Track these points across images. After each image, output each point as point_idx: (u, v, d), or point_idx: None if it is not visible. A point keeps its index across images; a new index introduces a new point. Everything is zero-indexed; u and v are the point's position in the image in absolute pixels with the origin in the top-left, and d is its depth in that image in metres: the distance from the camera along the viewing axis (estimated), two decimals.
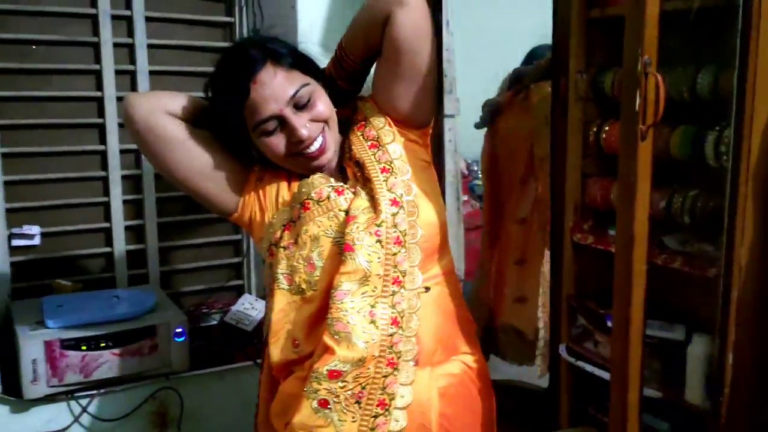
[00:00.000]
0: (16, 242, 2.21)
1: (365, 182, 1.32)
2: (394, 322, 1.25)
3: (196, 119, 1.36)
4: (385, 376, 1.24)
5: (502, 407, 1.56)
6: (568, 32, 1.95)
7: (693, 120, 1.75)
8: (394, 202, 1.29)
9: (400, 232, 1.28)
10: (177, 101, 1.36)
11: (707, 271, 1.70)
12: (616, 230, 1.45)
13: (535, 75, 2.60)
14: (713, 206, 1.71)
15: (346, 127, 1.42)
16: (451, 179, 2.11)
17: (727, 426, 1.57)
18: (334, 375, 1.21)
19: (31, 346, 1.90)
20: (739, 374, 1.59)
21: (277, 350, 1.31)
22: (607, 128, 1.94)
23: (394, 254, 1.27)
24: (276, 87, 1.26)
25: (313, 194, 1.30)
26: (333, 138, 1.34)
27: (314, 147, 1.30)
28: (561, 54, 1.98)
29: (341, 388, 1.22)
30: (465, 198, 4.73)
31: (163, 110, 1.33)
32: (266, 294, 1.42)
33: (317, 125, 1.30)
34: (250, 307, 2.38)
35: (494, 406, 1.49)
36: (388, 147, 1.35)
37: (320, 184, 1.31)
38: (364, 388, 1.23)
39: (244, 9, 2.47)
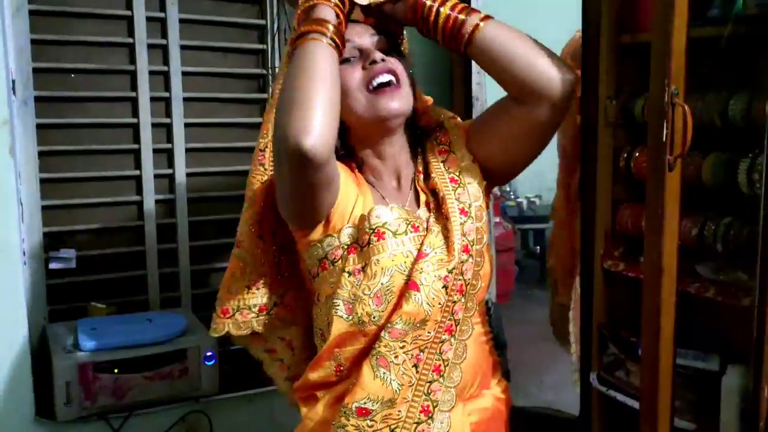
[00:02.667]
0: (53, 265, 2.26)
1: (439, 216, 1.25)
2: (437, 370, 1.22)
3: None
4: (417, 423, 1.21)
5: None
6: (598, 57, 1.94)
7: (725, 147, 1.72)
8: (466, 249, 1.23)
9: (464, 281, 1.23)
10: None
11: (741, 301, 1.66)
12: (644, 260, 1.44)
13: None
14: (747, 234, 1.67)
15: (415, 133, 1.36)
16: None
17: None
18: (363, 413, 1.19)
19: (65, 368, 1.94)
20: None
21: (317, 373, 1.27)
22: (637, 154, 1.91)
23: (455, 302, 1.22)
24: (361, 28, 1.25)
25: (390, 224, 1.21)
26: (408, 99, 1.25)
27: (386, 77, 1.20)
28: (590, 79, 1.97)
29: (369, 427, 1.19)
30: (497, 219, 4.71)
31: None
32: (310, 305, 1.35)
33: (390, 66, 1.22)
34: None
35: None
36: (469, 187, 1.27)
37: (398, 215, 1.23)
38: (393, 430, 1.20)
39: (276, 36, 2.51)
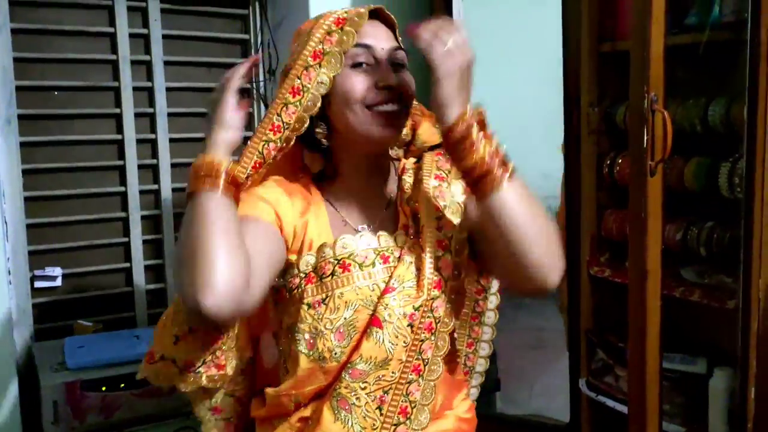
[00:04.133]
0: (38, 284, 2.24)
1: (415, 244, 1.15)
2: (403, 412, 1.13)
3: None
4: None
5: None
6: (579, 66, 1.97)
7: (706, 151, 1.75)
8: (438, 285, 1.13)
9: (434, 318, 1.13)
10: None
11: (726, 303, 1.68)
12: (628, 265, 1.45)
13: None
14: (729, 237, 1.70)
15: (408, 148, 1.30)
16: None
17: None
18: None
19: (52, 387, 1.91)
20: (762, 408, 1.57)
21: (273, 409, 1.21)
22: (620, 161, 1.94)
23: (422, 341, 1.13)
24: (384, 34, 1.17)
25: (357, 256, 1.13)
26: (404, 122, 1.20)
27: (391, 107, 1.13)
28: (572, 87, 1.99)
29: None
30: None
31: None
32: (276, 339, 1.29)
33: (399, 95, 1.15)
34: (270, 345, 2.38)
35: None
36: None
37: (367, 244, 1.14)
38: None
39: (260, 51, 2.52)
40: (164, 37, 2.38)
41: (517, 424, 1.38)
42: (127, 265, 2.38)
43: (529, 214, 1.03)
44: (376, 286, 1.12)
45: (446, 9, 2.40)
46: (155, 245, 2.43)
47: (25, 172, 2.20)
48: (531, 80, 2.90)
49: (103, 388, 1.96)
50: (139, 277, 2.39)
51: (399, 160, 1.30)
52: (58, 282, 2.26)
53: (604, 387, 2.00)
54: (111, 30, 2.30)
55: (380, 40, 1.15)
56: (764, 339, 1.55)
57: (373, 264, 1.13)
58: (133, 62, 2.34)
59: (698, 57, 1.69)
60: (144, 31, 2.35)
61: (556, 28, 2.04)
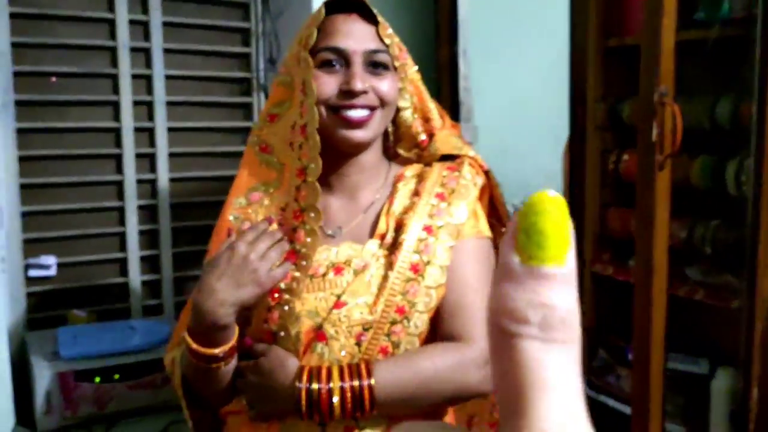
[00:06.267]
0: (32, 273, 2.21)
1: (387, 258, 1.09)
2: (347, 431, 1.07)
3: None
4: None
5: None
6: (586, 61, 1.95)
7: (713, 149, 1.73)
8: (400, 311, 1.06)
9: (392, 343, 1.06)
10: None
11: (730, 303, 1.66)
12: (635, 261, 1.43)
13: None
14: (735, 236, 1.68)
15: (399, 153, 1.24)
16: None
17: None
18: None
19: (45, 377, 1.89)
20: (764, 409, 1.55)
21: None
22: (626, 157, 1.92)
23: (371, 362, 1.06)
24: (361, 32, 1.10)
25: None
26: (380, 125, 1.13)
27: (358, 113, 1.09)
28: (578, 83, 1.97)
29: None
30: None
31: None
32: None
33: (374, 98, 1.10)
34: None
35: None
36: (438, 246, 1.09)
37: (324, 255, 1.10)
38: None
39: (261, 39, 2.49)
40: (164, 24, 2.35)
41: None
42: (123, 255, 2.35)
43: (415, 395, 1.04)
44: (324, 299, 1.07)
45: (452, 4, 2.38)
46: (151, 236, 2.40)
47: (21, 158, 2.17)
48: (536, 78, 2.88)
49: (97, 379, 1.93)
50: (134, 267, 2.36)
51: (408, 161, 1.24)
52: (53, 271, 2.23)
53: (605, 386, 1.98)
54: (110, 16, 2.27)
55: (354, 40, 1.09)
56: None
57: (324, 276, 1.08)
58: (132, 49, 2.31)
59: (707, 53, 1.67)
60: (144, 17, 2.32)
61: (563, 23, 2.02)
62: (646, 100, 1.29)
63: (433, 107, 1.23)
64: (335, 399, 1.01)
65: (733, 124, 1.67)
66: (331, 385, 1.02)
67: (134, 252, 2.36)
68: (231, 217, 1.17)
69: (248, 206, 1.16)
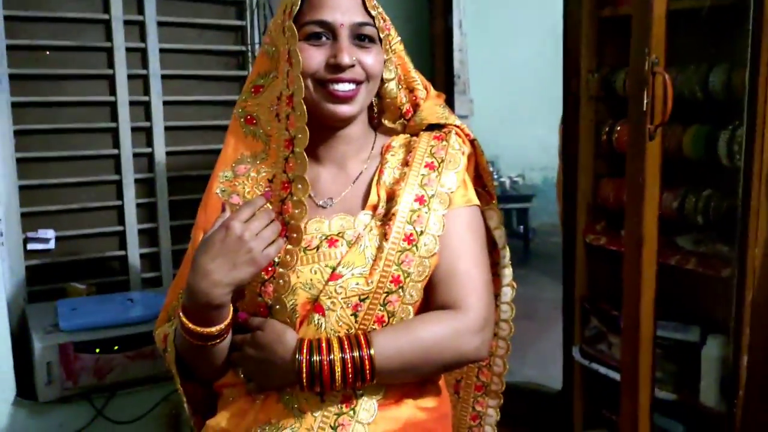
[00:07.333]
0: (31, 246, 2.23)
1: (381, 228, 1.09)
2: (346, 401, 1.08)
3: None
4: None
5: (515, 410, 1.54)
6: (579, 31, 1.94)
7: (706, 119, 1.73)
8: (396, 281, 1.07)
9: (387, 312, 1.07)
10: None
11: (721, 272, 1.68)
12: (624, 231, 1.44)
13: None
14: (727, 206, 1.69)
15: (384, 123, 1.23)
16: None
17: (743, 428, 1.56)
18: None
19: (46, 349, 1.91)
20: (754, 376, 1.57)
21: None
22: (619, 128, 1.92)
23: (370, 331, 1.07)
24: (348, 4, 1.09)
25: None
26: (366, 98, 1.13)
27: (345, 87, 1.08)
28: (572, 53, 1.97)
29: None
30: None
31: None
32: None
33: (360, 72, 1.09)
34: None
35: None
36: (432, 215, 1.10)
37: (315, 228, 1.10)
38: None
39: (255, 12, 2.48)
40: None
41: (510, 390, 1.36)
42: (121, 228, 2.36)
43: (414, 364, 1.07)
44: (319, 270, 1.07)
45: None
46: (149, 209, 2.42)
47: (16, 132, 2.18)
48: (530, 50, 2.89)
49: (97, 350, 1.96)
50: (132, 240, 2.38)
51: (392, 131, 1.24)
52: (51, 244, 2.25)
53: (597, 354, 2.00)
54: None
55: (341, 13, 1.08)
56: (758, 308, 1.55)
57: (317, 248, 1.08)
58: (126, 22, 2.30)
59: (700, 22, 1.66)
60: None
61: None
62: (637, 69, 1.30)
63: (417, 77, 1.23)
64: (337, 370, 1.02)
65: (726, 94, 1.67)
66: (332, 356, 1.02)
67: (132, 225, 2.37)
68: (218, 191, 1.17)
69: (235, 179, 1.17)
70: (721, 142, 1.66)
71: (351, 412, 1.08)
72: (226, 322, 1.06)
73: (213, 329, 1.05)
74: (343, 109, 1.10)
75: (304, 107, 1.05)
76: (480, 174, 1.23)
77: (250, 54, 2.48)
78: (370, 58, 1.10)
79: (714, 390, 1.75)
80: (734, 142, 1.63)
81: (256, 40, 2.47)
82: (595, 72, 1.96)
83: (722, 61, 1.69)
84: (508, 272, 1.30)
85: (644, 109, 1.27)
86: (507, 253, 1.29)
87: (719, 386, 1.73)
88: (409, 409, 1.13)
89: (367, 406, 1.09)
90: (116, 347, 1.99)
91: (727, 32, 1.73)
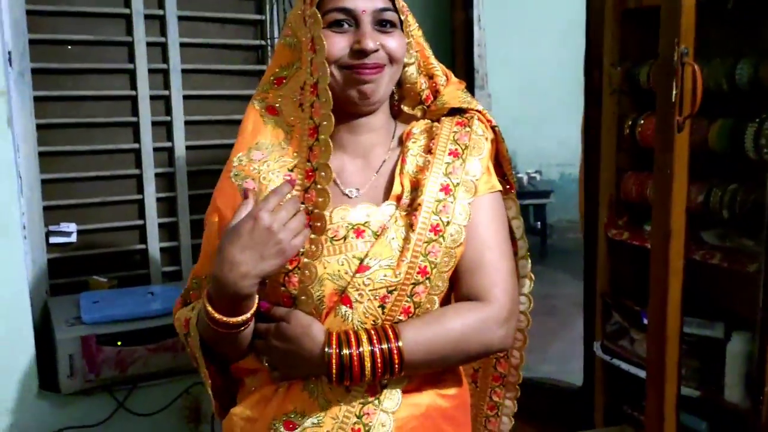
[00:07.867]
0: (53, 239, 2.24)
1: (406, 218, 1.08)
2: (371, 391, 1.08)
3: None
4: None
5: (536, 406, 1.53)
6: (602, 24, 1.92)
7: (732, 112, 1.71)
8: (423, 272, 1.06)
9: (414, 303, 1.07)
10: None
11: (747, 267, 1.66)
12: (652, 224, 1.43)
13: None
14: (752, 200, 1.67)
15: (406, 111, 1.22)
16: None
17: None
18: (290, 426, 1.09)
19: (68, 341, 1.93)
20: None
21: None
22: (642, 121, 1.90)
23: (396, 323, 1.06)
24: None
25: (327, 229, 1.06)
26: (390, 83, 1.13)
27: (370, 72, 1.08)
28: (594, 46, 1.96)
29: None
30: None
31: None
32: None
33: (383, 56, 1.09)
34: None
35: None
36: (457, 204, 1.09)
37: (341, 216, 1.09)
38: None
39: (275, 6, 2.48)
40: None
41: (530, 386, 1.35)
42: (141, 222, 2.37)
43: (441, 355, 1.07)
44: (346, 261, 1.06)
45: None
46: (169, 203, 2.42)
47: (39, 126, 2.19)
48: (551, 45, 2.86)
49: (119, 343, 1.97)
50: (153, 234, 2.39)
51: (411, 119, 1.22)
52: (73, 238, 2.26)
53: (618, 350, 1.99)
54: None
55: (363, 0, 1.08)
56: None
57: (345, 238, 1.07)
58: (147, 16, 2.31)
59: (727, 14, 1.64)
60: None
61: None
62: (666, 60, 1.28)
63: (436, 64, 1.22)
64: (366, 364, 1.02)
65: (752, 87, 1.65)
66: (361, 349, 1.02)
67: (152, 219, 2.38)
68: (231, 175, 1.15)
69: (249, 164, 1.15)
70: (747, 136, 1.64)
71: (376, 401, 1.08)
72: (251, 312, 1.05)
73: (239, 319, 1.04)
74: (369, 93, 1.09)
75: (329, 93, 1.04)
76: (500, 162, 1.22)
77: (269, 48, 2.48)
78: (393, 41, 1.10)
79: (738, 387, 1.73)
80: (761, 135, 1.61)
81: (276, 34, 2.47)
82: (617, 65, 1.94)
83: (749, 54, 1.66)
84: (526, 263, 1.29)
85: (673, 100, 1.25)
86: (525, 244, 1.28)
87: (744, 383, 1.71)
88: (431, 396, 1.13)
89: (392, 395, 1.09)
90: (137, 340, 2.00)
91: (754, 24, 1.71)
